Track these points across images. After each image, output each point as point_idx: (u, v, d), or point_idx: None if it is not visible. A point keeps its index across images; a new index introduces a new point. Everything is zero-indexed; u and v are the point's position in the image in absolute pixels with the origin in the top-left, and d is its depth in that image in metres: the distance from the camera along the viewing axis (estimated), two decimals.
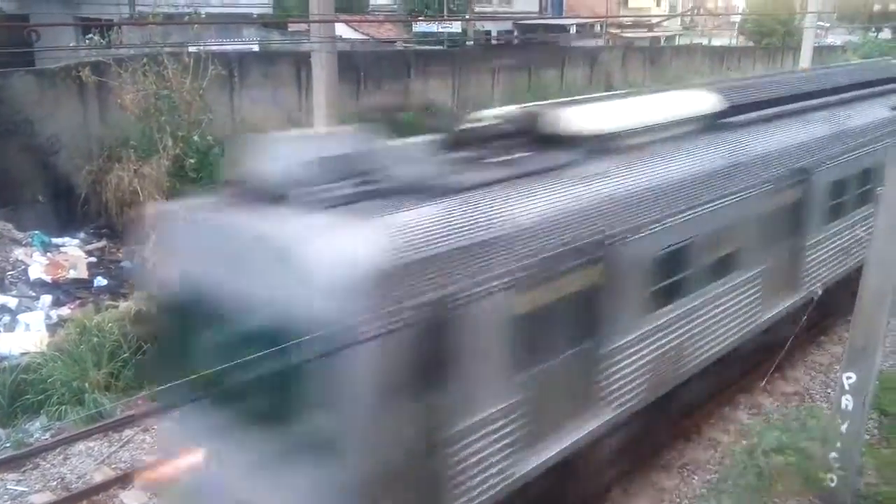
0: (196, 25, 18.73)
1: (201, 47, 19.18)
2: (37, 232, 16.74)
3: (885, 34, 52.27)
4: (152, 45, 19.13)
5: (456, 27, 37.55)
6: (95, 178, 18.33)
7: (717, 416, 10.08)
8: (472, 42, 37.69)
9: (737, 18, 56.92)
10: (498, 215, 6.06)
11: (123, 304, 12.80)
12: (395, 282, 5.07)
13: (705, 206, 8.19)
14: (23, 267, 15.11)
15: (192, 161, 18.30)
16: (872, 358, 7.81)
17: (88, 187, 18.38)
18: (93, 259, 16.61)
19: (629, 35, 48.72)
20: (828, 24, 51.69)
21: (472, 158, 6.88)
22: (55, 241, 16.99)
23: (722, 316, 8.83)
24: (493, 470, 6.04)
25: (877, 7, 41.52)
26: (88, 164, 18.51)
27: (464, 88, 29.95)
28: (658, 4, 56.50)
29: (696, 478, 8.85)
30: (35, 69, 19.54)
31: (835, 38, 55.62)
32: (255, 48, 25.87)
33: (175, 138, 18.24)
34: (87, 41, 19.34)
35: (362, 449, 5.08)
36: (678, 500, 8.49)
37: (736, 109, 9.55)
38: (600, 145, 7.55)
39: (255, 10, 31.15)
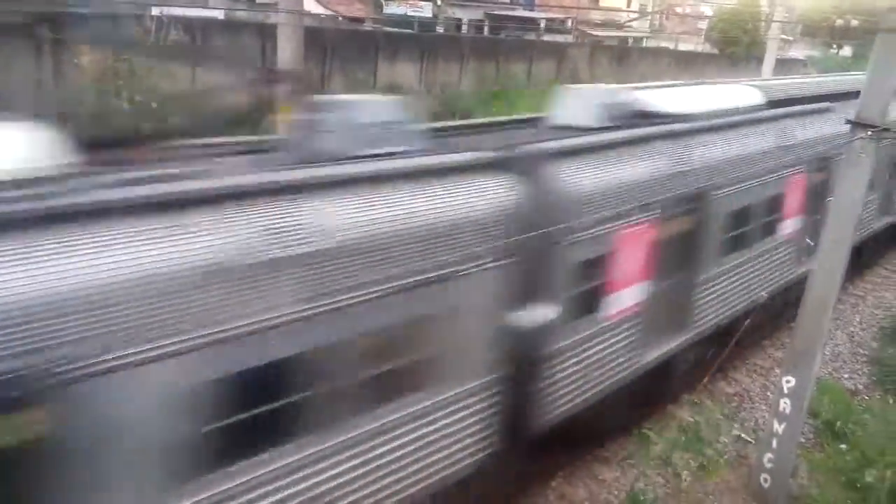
0: None
1: (164, 11, 18.74)
2: None
3: (846, 51, 53.49)
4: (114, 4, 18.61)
5: (427, 11, 37.35)
6: None
7: (659, 413, 10.23)
8: (442, 29, 37.51)
9: (703, 25, 57.68)
10: None
11: None
12: None
13: None
14: None
15: None
16: (812, 363, 8.02)
17: None
18: None
19: (599, 34, 49.07)
20: (791, 38, 52.72)
21: None
22: None
23: None
24: None
25: (839, 22, 42.44)
26: None
27: (431, 74, 29.83)
28: (628, 5, 57.13)
29: (634, 471, 9.00)
30: None
31: (797, 53, 56.74)
32: (220, 17, 25.37)
33: (133, 104, 17.80)
34: None
35: None
36: (616, 492, 8.62)
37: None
38: None
39: None
